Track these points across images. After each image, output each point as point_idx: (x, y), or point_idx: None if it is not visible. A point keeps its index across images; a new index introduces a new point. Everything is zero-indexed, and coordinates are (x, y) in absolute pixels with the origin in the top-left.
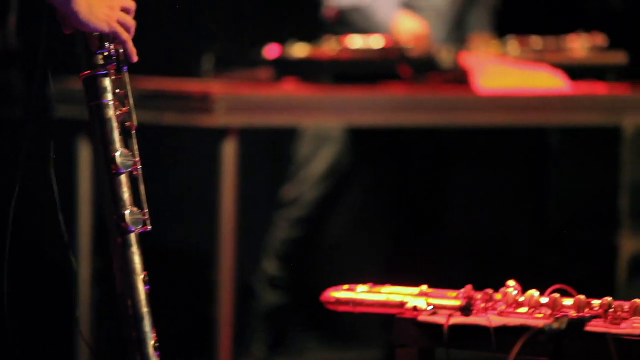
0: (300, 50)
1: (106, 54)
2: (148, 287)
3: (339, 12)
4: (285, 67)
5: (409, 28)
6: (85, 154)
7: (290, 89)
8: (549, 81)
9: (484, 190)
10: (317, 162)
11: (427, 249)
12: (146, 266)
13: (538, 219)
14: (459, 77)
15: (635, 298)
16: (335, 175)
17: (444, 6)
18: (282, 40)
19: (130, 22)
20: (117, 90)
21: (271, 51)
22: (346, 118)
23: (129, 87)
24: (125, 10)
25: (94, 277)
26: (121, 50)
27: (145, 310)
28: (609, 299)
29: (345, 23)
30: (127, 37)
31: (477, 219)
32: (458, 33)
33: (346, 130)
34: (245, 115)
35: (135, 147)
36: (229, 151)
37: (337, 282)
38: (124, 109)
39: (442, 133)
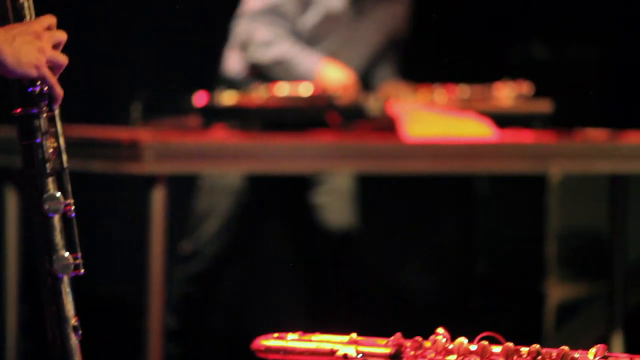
0: (228, 97)
1: (37, 90)
2: (80, 333)
3: (254, 69)
4: (213, 115)
5: (335, 78)
6: (11, 201)
7: (218, 136)
8: (475, 129)
9: (411, 237)
10: (215, 215)
11: (355, 297)
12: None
13: (466, 266)
14: (387, 125)
15: (562, 345)
16: (236, 228)
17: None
18: (211, 87)
19: (62, 59)
20: (50, 129)
21: (199, 98)
22: (275, 166)
23: (59, 126)
24: (56, 45)
25: (21, 327)
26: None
27: (76, 358)
28: (537, 346)
29: (267, 77)
30: (55, 82)
31: (405, 266)
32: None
33: (246, 178)
34: (174, 162)
35: (69, 187)
36: (158, 199)
37: (264, 331)
38: (55, 148)
39: (369, 180)
